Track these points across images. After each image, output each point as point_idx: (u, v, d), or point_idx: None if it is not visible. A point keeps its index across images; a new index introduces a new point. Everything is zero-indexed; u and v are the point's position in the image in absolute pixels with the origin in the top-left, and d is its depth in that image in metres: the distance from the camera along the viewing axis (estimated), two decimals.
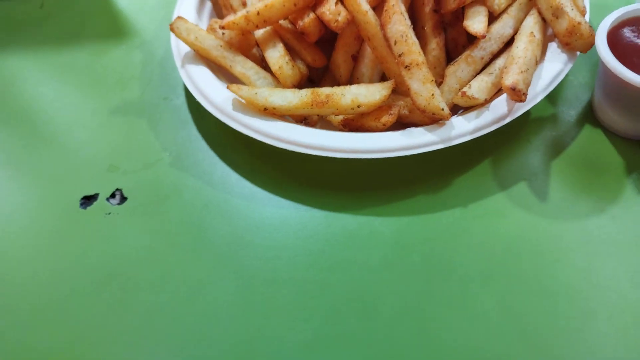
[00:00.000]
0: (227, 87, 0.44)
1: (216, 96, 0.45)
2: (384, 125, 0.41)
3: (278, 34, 0.47)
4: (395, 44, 0.41)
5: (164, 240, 0.41)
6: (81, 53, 0.56)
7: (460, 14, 0.45)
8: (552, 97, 0.47)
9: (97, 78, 0.53)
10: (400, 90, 0.43)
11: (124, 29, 0.58)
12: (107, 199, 0.44)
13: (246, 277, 0.39)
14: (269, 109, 0.43)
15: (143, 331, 0.37)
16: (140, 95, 0.51)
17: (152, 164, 0.46)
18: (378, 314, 0.37)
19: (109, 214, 0.43)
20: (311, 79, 0.48)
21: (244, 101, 0.44)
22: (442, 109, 0.40)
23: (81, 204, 0.44)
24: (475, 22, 0.43)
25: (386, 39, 0.42)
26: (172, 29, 0.47)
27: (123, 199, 0.44)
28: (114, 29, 0.58)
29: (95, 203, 0.43)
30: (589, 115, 0.46)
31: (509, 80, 0.41)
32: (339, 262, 0.40)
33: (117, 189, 0.44)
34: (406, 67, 0.41)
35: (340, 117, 0.44)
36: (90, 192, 0.44)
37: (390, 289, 0.38)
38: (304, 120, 0.45)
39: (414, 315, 0.37)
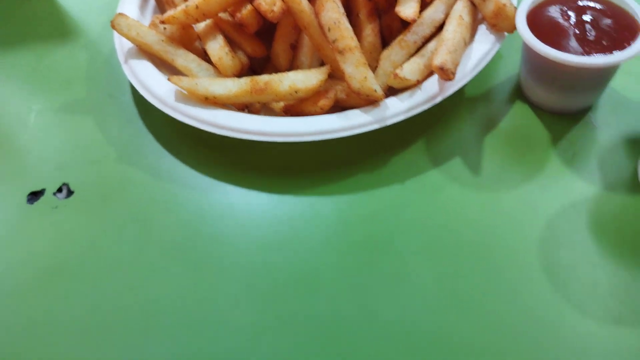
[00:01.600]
0: (168, 79, 0.45)
1: (159, 89, 0.46)
2: (321, 109, 0.43)
3: (218, 27, 0.48)
4: (329, 30, 0.43)
5: (111, 233, 0.42)
6: (26, 54, 0.56)
7: (393, 1, 0.47)
8: (483, 77, 0.49)
9: (42, 79, 0.54)
10: (337, 75, 0.44)
11: (70, 30, 0.58)
12: (54, 194, 0.44)
13: (192, 266, 0.40)
14: (210, 99, 0.44)
15: (89, 323, 0.38)
16: (86, 94, 0.52)
17: (98, 160, 0.47)
18: (320, 291, 0.38)
19: (56, 207, 0.43)
20: (253, 69, 0.49)
21: (185, 92, 0.45)
22: (375, 90, 0.42)
23: (28, 200, 0.44)
24: (407, 8, 0.45)
25: (320, 26, 0.43)
26: (113, 26, 0.48)
27: (70, 192, 0.44)
28: (60, 30, 0.58)
29: (42, 198, 0.44)
30: (518, 93, 0.48)
31: (437, 60, 0.43)
32: (283, 244, 0.41)
33: (63, 184, 0.45)
34: (340, 52, 0.42)
35: (282, 104, 0.46)
36: (37, 188, 0.45)
37: (332, 266, 0.39)
38: (245, 108, 0.46)
39: (356, 291, 0.38)
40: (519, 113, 0.46)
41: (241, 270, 0.40)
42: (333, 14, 0.42)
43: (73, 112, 0.51)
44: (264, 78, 0.43)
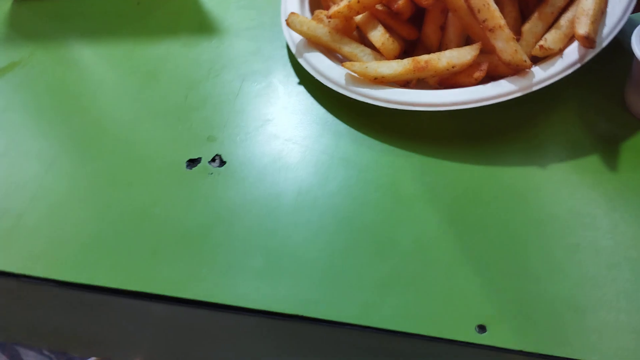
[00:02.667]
0: (342, 65, 0.54)
1: (331, 73, 0.56)
2: (476, 80, 0.51)
3: (375, 16, 0.57)
4: (478, 12, 0.50)
5: (265, 196, 0.50)
6: (175, 45, 0.66)
7: None
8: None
9: (191, 66, 0.63)
10: (485, 50, 0.52)
11: (213, 26, 0.68)
12: (209, 162, 0.54)
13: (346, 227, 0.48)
14: (378, 79, 0.53)
15: (243, 266, 0.46)
16: (232, 79, 0.61)
17: (250, 132, 0.56)
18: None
19: (211, 174, 0.53)
20: (405, 51, 0.58)
21: (355, 75, 0.55)
22: (525, 61, 0.49)
23: (187, 166, 0.54)
24: None
25: (470, 8, 0.51)
26: (287, 24, 0.58)
27: (222, 162, 0.53)
28: (205, 25, 0.68)
29: (198, 165, 0.53)
30: None
31: (581, 29, 0.49)
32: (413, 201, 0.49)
33: (216, 155, 0.54)
34: (490, 30, 0.50)
35: (436, 78, 0.54)
36: (195, 156, 0.54)
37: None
38: (406, 85, 0.55)
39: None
40: None
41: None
42: None
43: (221, 94, 0.60)
44: (424, 58, 0.52)
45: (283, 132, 0.56)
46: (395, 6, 0.54)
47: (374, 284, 0.44)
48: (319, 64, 0.57)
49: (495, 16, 0.49)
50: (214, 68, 0.63)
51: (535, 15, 0.52)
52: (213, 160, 0.54)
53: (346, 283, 0.45)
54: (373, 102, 0.53)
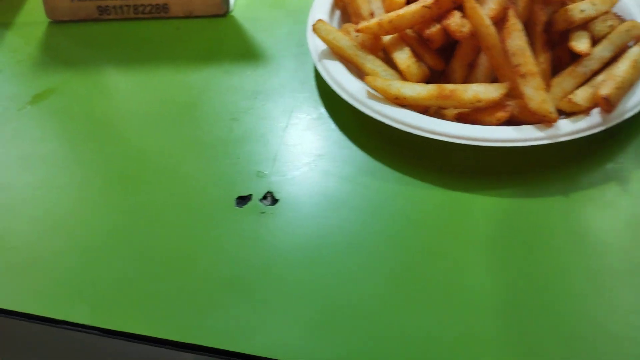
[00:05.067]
0: (364, 79, 0.52)
1: (350, 86, 0.53)
2: (497, 120, 0.49)
3: (404, 40, 0.55)
4: (513, 55, 0.49)
5: (319, 239, 0.46)
6: (217, 72, 0.63)
7: (565, 36, 0.53)
8: None
9: (235, 95, 0.60)
10: (511, 93, 0.50)
11: (258, 52, 0.65)
12: (260, 200, 0.49)
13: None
14: (399, 99, 0.50)
15: (298, 317, 0.42)
16: (280, 110, 0.58)
17: (302, 167, 0.52)
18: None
19: (263, 213, 0.48)
20: (428, 82, 0.56)
21: (374, 92, 0.52)
22: (552, 112, 0.48)
23: (237, 203, 0.49)
24: (580, 43, 0.51)
25: (504, 50, 0.49)
26: (314, 29, 0.56)
27: (275, 200, 0.49)
28: (248, 51, 0.65)
29: (249, 203, 0.49)
30: None
31: (604, 90, 0.48)
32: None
33: (268, 192, 0.50)
34: (521, 75, 0.48)
35: (455, 111, 0.52)
36: (244, 193, 0.50)
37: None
38: (424, 112, 0.52)
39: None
40: None
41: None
42: (519, 41, 0.49)
43: (262, 122, 0.57)
44: (450, 86, 0.50)
45: (335, 169, 0.52)
46: (428, 33, 0.53)
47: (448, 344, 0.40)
48: (338, 75, 0.54)
49: (529, 62, 0.48)
50: (260, 98, 0.59)
51: (568, 71, 0.51)
52: (264, 197, 0.50)
53: (408, 341, 0.40)
54: (386, 121, 0.50)
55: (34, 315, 0.43)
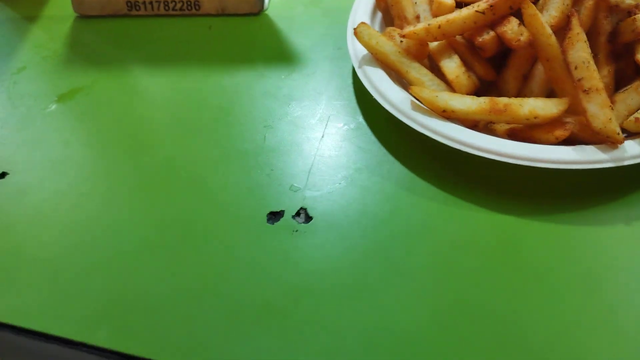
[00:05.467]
0: (410, 89, 0.48)
1: (393, 96, 0.50)
2: (556, 138, 0.45)
3: (452, 47, 0.51)
4: (575, 68, 0.44)
5: (355, 261, 0.43)
6: (250, 75, 0.60)
7: (631, 47, 0.48)
8: None
9: (269, 101, 0.57)
10: (571, 110, 0.46)
11: (293, 55, 0.62)
12: (293, 217, 0.46)
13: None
14: (447, 112, 0.47)
15: (336, 348, 0.39)
16: (316, 118, 0.55)
17: (338, 182, 0.49)
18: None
19: (296, 231, 0.45)
20: (476, 93, 0.52)
21: (418, 102, 0.49)
22: (618, 133, 0.43)
23: (268, 219, 0.46)
24: None
25: (566, 62, 0.45)
26: (355, 33, 0.52)
27: (308, 218, 0.46)
28: (283, 54, 0.62)
29: (282, 219, 0.46)
30: None
31: None
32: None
33: (301, 208, 0.47)
34: (584, 91, 0.44)
35: (506, 127, 0.48)
36: (277, 209, 0.47)
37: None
38: (473, 127, 0.48)
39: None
40: None
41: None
42: (583, 53, 0.44)
43: (297, 130, 0.53)
44: (504, 100, 0.46)
45: (374, 184, 0.48)
46: (480, 40, 0.49)
47: None
48: (380, 84, 0.51)
49: (594, 77, 0.44)
50: (294, 104, 0.56)
51: (633, 86, 0.47)
52: (297, 214, 0.46)
53: None
54: (430, 135, 0.46)
55: (50, 335, 0.41)
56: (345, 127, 0.54)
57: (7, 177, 0.51)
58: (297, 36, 0.64)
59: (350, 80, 0.58)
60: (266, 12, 0.67)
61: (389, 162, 0.50)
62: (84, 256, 0.45)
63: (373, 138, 0.52)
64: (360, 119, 0.54)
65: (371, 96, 0.51)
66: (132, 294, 0.42)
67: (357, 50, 0.54)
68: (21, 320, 0.41)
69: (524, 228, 0.44)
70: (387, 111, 0.50)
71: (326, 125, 0.54)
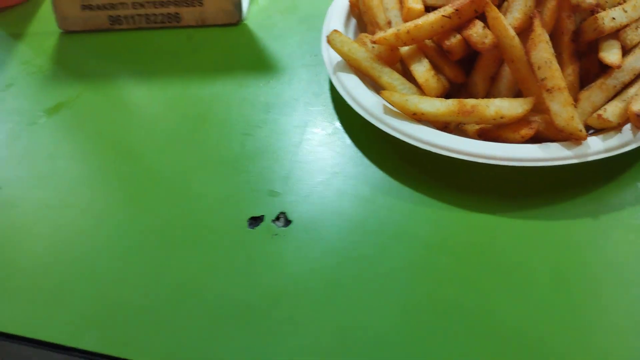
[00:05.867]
0: (380, 93, 0.50)
1: (365, 101, 0.51)
2: (522, 137, 0.46)
3: (422, 51, 0.53)
4: (538, 68, 0.46)
5: (334, 263, 0.45)
6: (229, 84, 0.61)
7: (594, 45, 0.50)
8: None
9: (247, 109, 0.58)
10: (536, 108, 0.48)
11: (271, 63, 0.63)
12: (273, 221, 0.48)
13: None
14: (417, 114, 0.48)
15: (311, 349, 0.40)
16: (293, 125, 0.56)
17: (316, 186, 0.50)
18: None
19: (276, 235, 0.47)
20: (447, 95, 0.53)
21: (391, 106, 0.50)
22: (580, 130, 0.45)
23: (249, 224, 0.48)
24: (611, 54, 0.48)
25: (530, 63, 0.47)
26: (328, 41, 0.54)
27: (287, 222, 0.48)
28: (261, 62, 0.64)
29: (262, 224, 0.48)
30: None
31: (636, 106, 0.45)
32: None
33: (280, 212, 0.48)
34: (548, 90, 0.46)
35: (476, 127, 0.49)
36: (257, 214, 0.48)
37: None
38: (443, 128, 0.50)
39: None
40: None
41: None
42: (545, 54, 0.46)
43: (275, 139, 0.55)
44: (471, 102, 0.47)
45: (351, 188, 0.50)
46: (448, 44, 0.50)
47: None
48: (354, 89, 0.52)
49: (556, 76, 0.45)
50: (273, 111, 0.57)
51: (597, 84, 0.48)
52: (277, 218, 0.48)
53: None
54: (402, 138, 0.48)
55: (42, 341, 0.42)
56: (323, 132, 0.55)
57: None
58: (275, 45, 0.65)
59: (327, 87, 0.60)
60: (245, 21, 0.69)
61: (364, 165, 0.52)
62: (71, 265, 0.46)
63: (349, 142, 0.54)
64: (337, 124, 0.56)
65: (346, 102, 0.53)
66: (118, 299, 0.44)
67: (331, 57, 0.56)
68: (13, 328, 0.43)
69: (494, 225, 0.46)
70: (362, 116, 0.51)
71: (304, 131, 0.55)
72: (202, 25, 0.68)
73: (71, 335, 0.42)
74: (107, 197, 0.52)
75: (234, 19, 0.68)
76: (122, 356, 0.41)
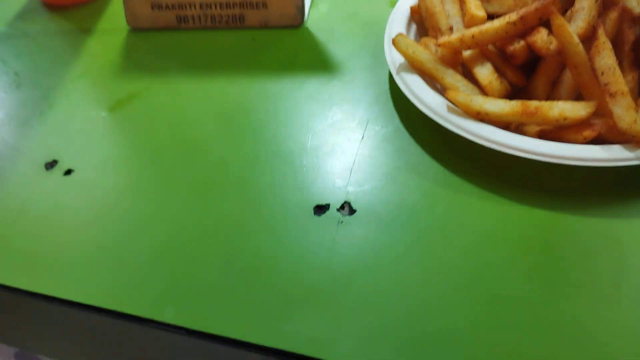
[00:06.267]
0: (446, 93, 0.52)
1: (430, 100, 0.53)
2: (584, 138, 0.48)
3: (485, 55, 0.55)
4: (602, 74, 0.48)
5: (396, 251, 0.47)
6: (292, 83, 0.64)
7: None
8: None
9: (310, 106, 0.61)
10: (597, 112, 0.49)
11: (332, 64, 0.66)
12: (338, 210, 0.50)
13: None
14: (481, 114, 0.50)
15: (383, 329, 0.42)
16: (355, 121, 0.59)
17: (379, 179, 0.52)
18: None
19: (342, 222, 0.49)
20: (507, 97, 0.56)
21: (454, 106, 0.52)
22: None
23: (315, 212, 0.50)
24: None
25: (593, 69, 0.49)
26: (394, 43, 0.57)
27: (352, 210, 0.50)
28: (322, 63, 0.66)
29: (327, 212, 0.50)
30: None
31: None
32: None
33: (345, 202, 0.51)
34: (611, 94, 0.48)
35: (537, 129, 0.51)
36: (323, 202, 0.51)
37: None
38: (505, 128, 0.52)
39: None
40: None
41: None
42: (608, 60, 0.48)
43: (343, 138, 0.57)
44: (535, 103, 0.49)
45: (413, 182, 0.52)
46: (511, 49, 0.52)
47: None
48: (418, 89, 0.55)
49: (619, 81, 0.47)
50: (335, 109, 0.60)
51: None
52: (342, 207, 0.50)
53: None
54: (468, 137, 0.50)
55: (124, 313, 0.45)
56: (384, 129, 0.57)
57: (72, 173, 0.56)
58: (336, 47, 0.68)
59: (386, 87, 0.62)
60: (306, 25, 0.72)
61: (425, 161, 0.54)
62: (146, 245, 0.49)
63: (410, 139, 0.56)
64: (397, 122, 0.58)
65: (407, 101, 0.55)
66: (196, 278, 0.46)
67: (394, 58, 0.58)
68: (100, 302, 0.46)
69: (556, 222, 0.47)
70: (422, 115, 0.54)
71: (365, 127, 0.58)
72: (265, 27, 0.71)
73: (150, 309, 0.45)
74: (179, 186, 0.54)
75: (296, 22, 0.71)
76: (199, 329, 0.43)
